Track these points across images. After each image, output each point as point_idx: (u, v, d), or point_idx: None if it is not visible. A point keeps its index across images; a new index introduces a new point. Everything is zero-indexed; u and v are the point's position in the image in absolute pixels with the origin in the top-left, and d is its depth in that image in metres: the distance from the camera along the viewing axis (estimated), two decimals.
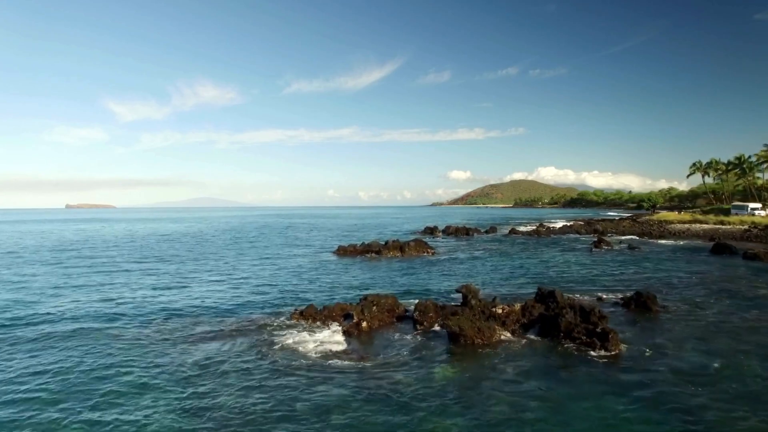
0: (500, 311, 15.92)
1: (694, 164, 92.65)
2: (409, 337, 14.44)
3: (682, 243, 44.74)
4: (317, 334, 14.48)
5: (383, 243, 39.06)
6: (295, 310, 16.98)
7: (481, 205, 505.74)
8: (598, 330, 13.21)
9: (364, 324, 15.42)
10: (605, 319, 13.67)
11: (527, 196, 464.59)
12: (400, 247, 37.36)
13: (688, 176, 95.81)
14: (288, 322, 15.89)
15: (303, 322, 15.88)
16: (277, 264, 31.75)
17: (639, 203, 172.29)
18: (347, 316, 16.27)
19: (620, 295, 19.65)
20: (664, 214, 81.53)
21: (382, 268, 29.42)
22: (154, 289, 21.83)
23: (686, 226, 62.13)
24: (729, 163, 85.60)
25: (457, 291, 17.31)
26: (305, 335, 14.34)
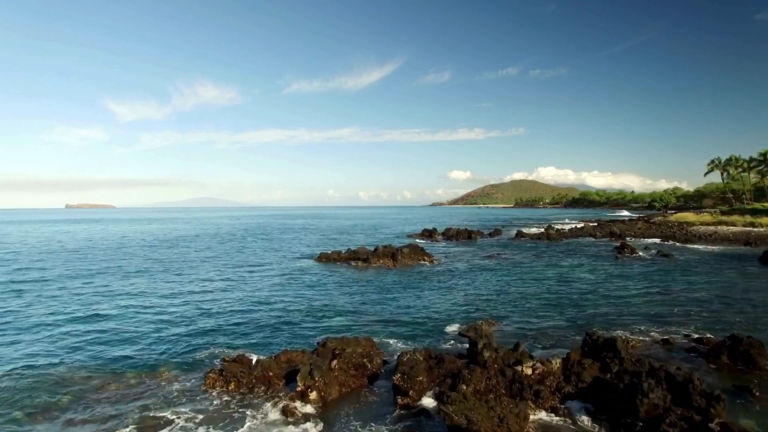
0: (529, 371, 10.19)
1: (712, 161, 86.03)
2: (381, 425, 8.66)
3: (717, 249, 38.94)
4: (228, 424, 8.71)
5: (372, 249, 33.39)
6: (220, 362, 11.25)
7: (482, 206, 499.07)
8: (714, 426, 7.46)
9: (314, 395, 9.66)
10: (721, 401, 7.88)
11: (528, 196, 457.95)
12: (392, 254, 31.67)
13: (705, 174, 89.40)
14: (194, 389, 10.15)
15: (219, 390, 10.14)
16: (241, 277, 25.98)
17: (650, 203, 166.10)
18: (292, 375, 10.54)
19: (693, 334, 13.86)
20: (683, 215, 75.52)
21: (364, 284, 23.66)
22: (48, 324, 15.88)
23: (711, 228, 56.34)
24: (752, 159, 79.04)
25: (463, 335, 11.58)
26: (204, 428, 8.55)
